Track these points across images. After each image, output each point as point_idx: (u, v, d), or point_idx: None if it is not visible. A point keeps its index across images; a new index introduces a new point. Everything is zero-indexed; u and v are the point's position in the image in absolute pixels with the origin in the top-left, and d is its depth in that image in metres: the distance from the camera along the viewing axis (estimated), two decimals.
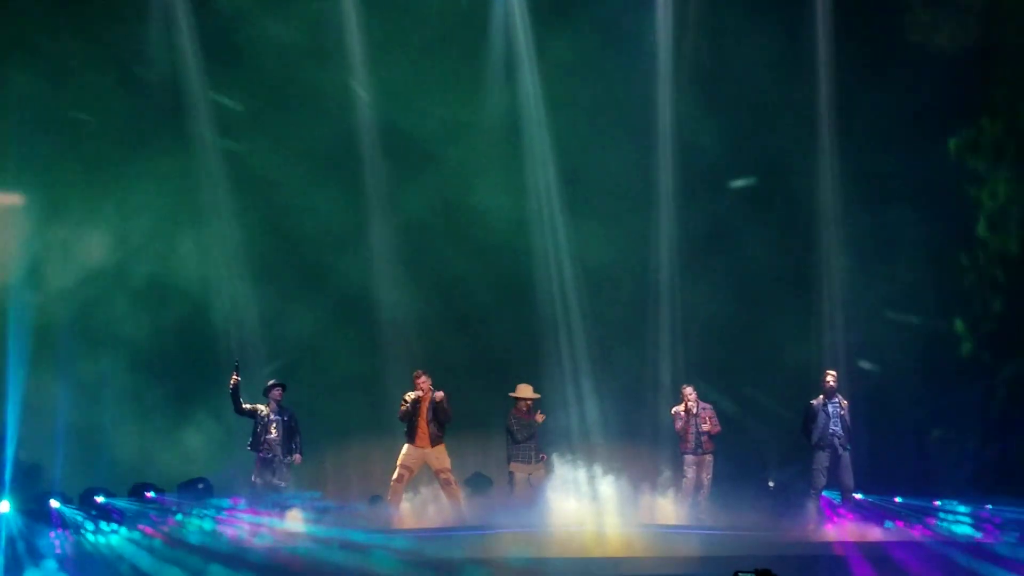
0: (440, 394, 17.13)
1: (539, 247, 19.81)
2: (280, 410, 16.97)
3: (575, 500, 16.80)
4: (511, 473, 17.78)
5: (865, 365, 19.83)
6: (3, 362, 17.48)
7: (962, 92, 19.76)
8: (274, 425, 16.86)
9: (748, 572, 11.15)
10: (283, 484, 16.90)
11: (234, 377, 16.80)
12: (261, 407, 16.93)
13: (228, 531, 16.12)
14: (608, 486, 16.92)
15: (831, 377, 17.41)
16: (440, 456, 17.24)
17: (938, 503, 17.55)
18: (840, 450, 17.21)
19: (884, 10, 19.97)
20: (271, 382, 17.17)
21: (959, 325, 19.91)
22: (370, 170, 19.67)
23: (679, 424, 17.79)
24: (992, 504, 17.19)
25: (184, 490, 17.39)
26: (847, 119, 20.03)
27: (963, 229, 20.02)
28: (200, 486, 17.51)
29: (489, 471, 19.13)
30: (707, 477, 17.74)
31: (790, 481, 18.53)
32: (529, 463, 17.75)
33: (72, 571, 15.05)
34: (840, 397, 17.41)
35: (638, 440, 19.51)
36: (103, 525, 15.96)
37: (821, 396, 17.37)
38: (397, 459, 17.25)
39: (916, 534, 16.67)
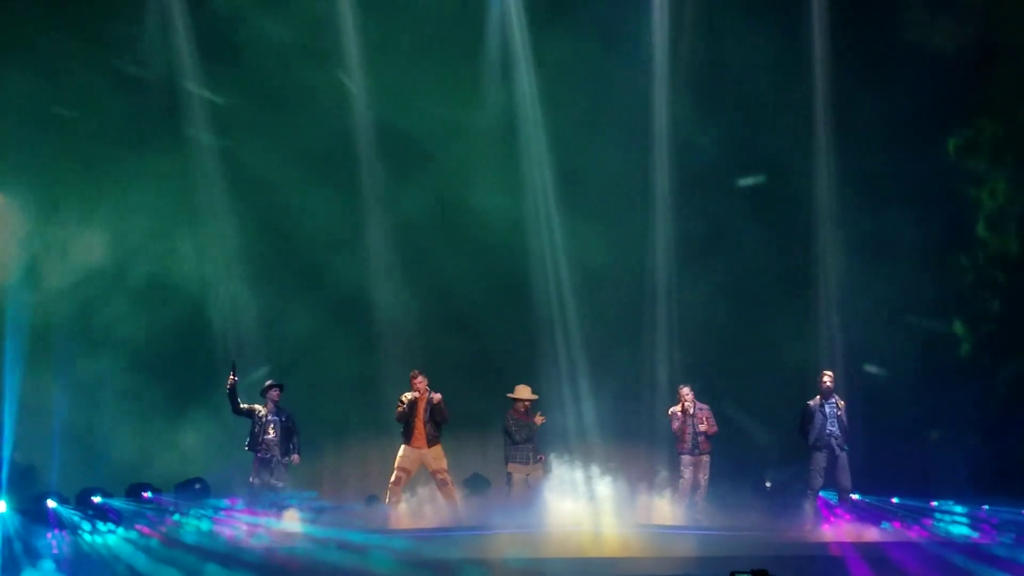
0: (438, 396, 17.12)
1: (536, 247, 19.81)
2: (278, 411, 16.97)
3: (572, 500, 16.78)
4: (509, 474, 17.77)
5: (872, 369, 19.81)
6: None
7: (961, 92, 19.69)
8: (272, 426, 16.86)
9: (744, 572, 11.14)
10: (281, 484, 16.89)
11: (231, 377, 16.79)
12: (259, 407, 16.93)
13: (225, 531, 16.11)
14: (605, 486, 16.92)
15: (828, 377, 17.38)
16: (437, 456, 17.24)
17: (935, 504, 17.54)
18: (837, 451, 17.18)
19: (882, 9, 19.94)
20: (268, 383, 17.17)
21: (958, 326, 19.88)
22: (367, 170, 19.68)
23: (676, 424, 17.77)
24: (989, 505, 17.16)
25: (181, 490, 17.38)
26: (845, 119, 19.99)
27: (962, 229, 19.99)
28: (197, 486, 17.49)
29: (487, 472, 19.12)
30: (704, 477, 17.73)
31: (787, 481, 18.53)
32: (527, 464, 17.73)
33: (69, 571, 15.04)
34: (837, 397, 17.39)
35: (635, 440, 19.51)
36: (100, 525, 15.95)
37: (818, 396, 17.34)
38: (394, 461, 17.24)
39: (913, 535, 16.66)
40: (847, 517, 17.15)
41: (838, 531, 16.70)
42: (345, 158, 19.58)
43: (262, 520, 16.26)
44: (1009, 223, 19.90)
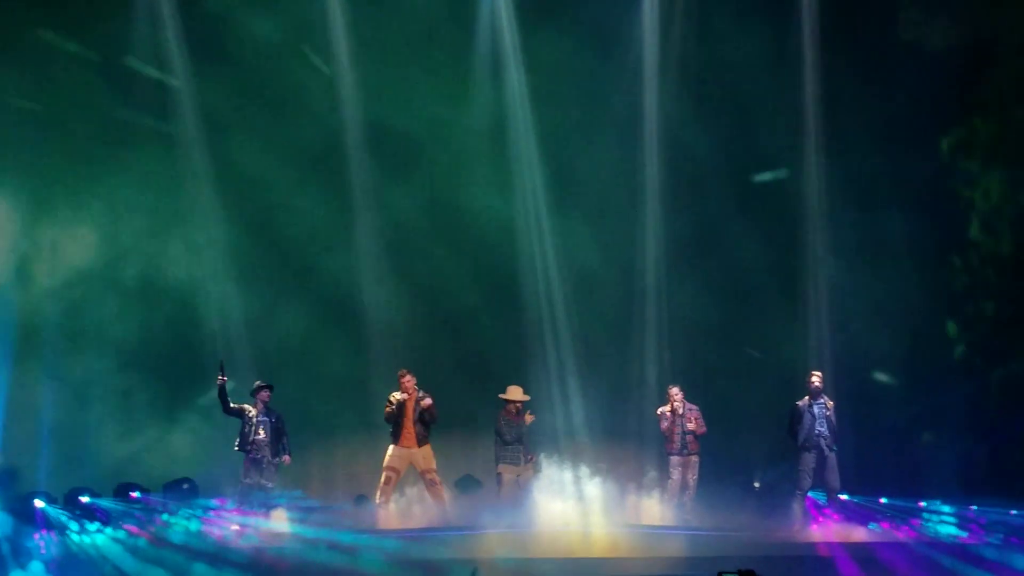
0: (427, 401, 17.07)
1: (526, 247, 19.82)
2: (267, 411, 16.94)
3: (561, 501, 16.76)
4: (499, 474, 17.74)
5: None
6: None
7: (955, 91, 19.69)
8: (262, 427, 16.83)
9: (731, 573, 11.11)
10: (271, 485, 16.87)
11: (220, 377, 16.77)
12: (249, 408, 16.90)
13: (214, 531, 16.09)
14: (594, 486, 16.88)
15: (816, 378, 17.33)
16: (426, 456, 17.21)
17: (923, 504, 17.51)
18: (826, 451, 17.14)
19: (875, 8, 19.92)
20: (258, 383, 17.15)
21: (951, 328, 19.84)
22: (357, 170, 19.67)
23: (665, 424, 17.74)
24: (978, 505, 17.14)
25: (169, 490, 17.38)
26: (837, 119, 19.96)
27: (955, 230, 19.94)
28: (185, 486, 17.51)
29: (476, 471, 19.10)
30: (693, 478, 17.69)
31: (776, 482, 18.52)
32: (518, 464, 17.69)
33: (57, 571, 15.01)
34: (826, 398, 17.34)
35: (624, 440, 19.48)
36: (88, 525, 15.93)
37: (807, 397, 17.30)
38: (382, 461, 17.22)
39: (901, 535, 16.64)
40: (836, 517, 17.13)
41: (826, 531, 16.68)
42: (336, 158, 19.58)
43: (251, 520, 16.24)
44: (1003, 224, 19.85)
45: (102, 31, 18.90)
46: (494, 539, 15.61)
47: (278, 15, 19.25)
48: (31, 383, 18.08)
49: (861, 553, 15.51)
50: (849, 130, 19.93)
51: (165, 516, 16.46)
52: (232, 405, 16.85)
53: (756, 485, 19.18)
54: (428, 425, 17.18)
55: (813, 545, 16.08)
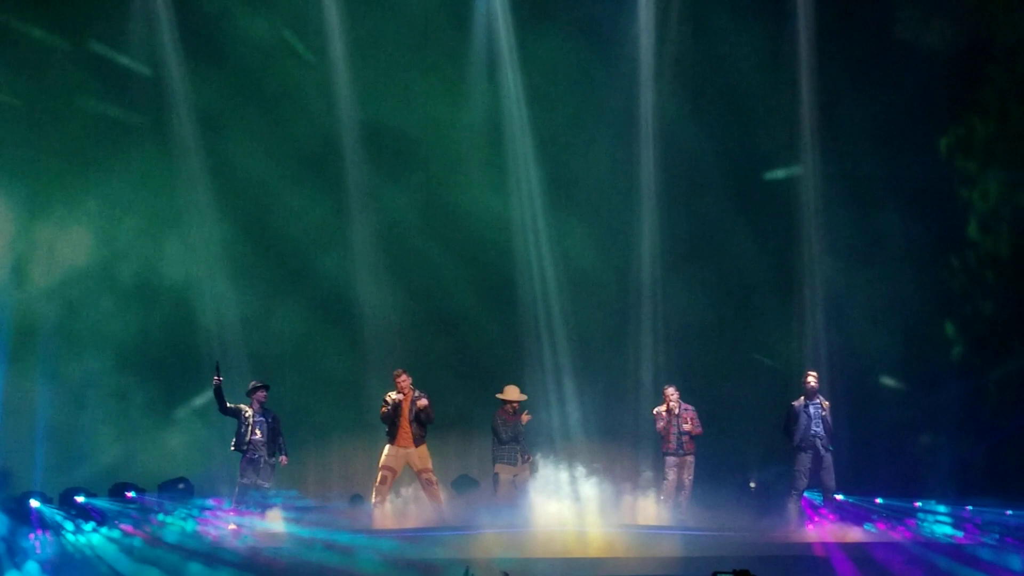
0: (423, 401, 17.06)
1: (522, 247, 19.82)
2: (264, 411, 16.94)
3: (557, 501, 16.76)
4: (496, 474, 17.74)
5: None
6: None
7: (953, 91, 19.67)
8: (259, 427, 16.83)
9: (726, 573, 11.11)
10: (267, 484, 16.87)
11: (216, 378, 16.77)
12: (245, 408, 16.90)
13: (210, 531, 16.10)
14: (590, 486, 16.90)
15: (812, 378, 17.33)
16: (423, 456, 17.20)
17: (919, 504, 17.50)
18: (822, 451, 17.14)
19: (872, 7, 19.88)
20: (254, 383, 17.14)
21: (949, 328, 19.82)
22: (353, 170, 19.67)
23: (661, 424, 17.73)
24: (974, 505, 17.13)
25: (165, 490, 17.38)
26: (834, 118, 19.95)
27: (953, 231, 19.90)
28: (181, 486, 17.53)
29: (472, 472, 19.11)
30: (688, 478, 17.69)
31: (771, 482, 18.53)
32: (514, 464, 17.71)
33: (52, 572, 15.02)
34: (821, 398, 17.35)
35: (620, 441, 19.51)
36: (83, 525, 15.93)
37: (802, 397, 17.29)
38: (378, 461, 17.21)
39: (897, 535, 16.63)
40: (831, 517, 17.13)
41: (822, 531, 16.70)
42: (332, 157, 19.58)
43: (247, 520, 16.24)
44: (1001, 224, 19.83)
45: (98, 30, 18.91)
46: (490, 539, 15.63)
47: (274, 15, 19.26)
48: (27, 383, 18.08)
49: (857, 553, 15.56)
50: (846, 130, 19.92)
51: (161, 516, 16.44)
52: (229, 405, 16.86)
53: (752, 485, 19.18)
54: (424, 425, 17.17)
55: (809, 545, 16.10)
